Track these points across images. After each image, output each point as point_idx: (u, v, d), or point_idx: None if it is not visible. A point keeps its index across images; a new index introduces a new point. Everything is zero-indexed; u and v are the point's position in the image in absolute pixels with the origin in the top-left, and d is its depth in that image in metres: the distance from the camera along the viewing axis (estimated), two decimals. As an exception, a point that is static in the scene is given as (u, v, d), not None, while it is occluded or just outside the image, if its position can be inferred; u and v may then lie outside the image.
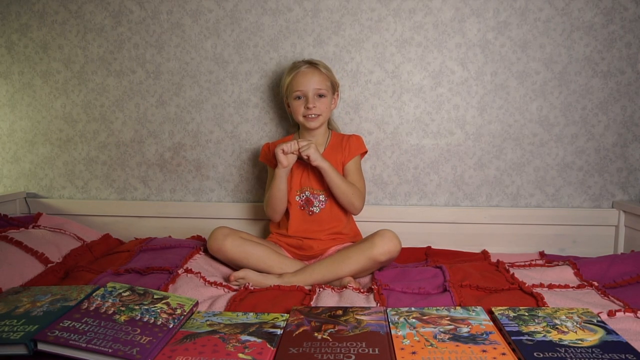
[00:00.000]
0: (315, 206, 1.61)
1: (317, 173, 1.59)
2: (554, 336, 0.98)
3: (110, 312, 1.04)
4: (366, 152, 1.69)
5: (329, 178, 1.54)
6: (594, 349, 0.92)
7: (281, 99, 1.74)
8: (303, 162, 1.62)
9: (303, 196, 1.62)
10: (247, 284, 1.35)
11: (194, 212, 1.87)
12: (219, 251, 1.49)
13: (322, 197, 1.61)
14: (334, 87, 1.65)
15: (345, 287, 1.34)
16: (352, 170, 1.63)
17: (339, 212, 1.62)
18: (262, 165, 1.85)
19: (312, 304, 1.23)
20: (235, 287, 1.36)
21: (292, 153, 1.50)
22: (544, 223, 1.79)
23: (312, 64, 1.61)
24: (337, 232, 1.62)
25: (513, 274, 1.42)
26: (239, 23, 1.79)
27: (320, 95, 1.59)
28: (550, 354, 0.91)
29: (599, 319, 1.07)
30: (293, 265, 1.48)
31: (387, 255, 1.42)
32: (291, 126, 1.81)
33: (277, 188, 1.56)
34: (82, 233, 1.72)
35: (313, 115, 1.58)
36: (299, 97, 1.59)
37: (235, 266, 1.49)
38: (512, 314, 1.09)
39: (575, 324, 1.04)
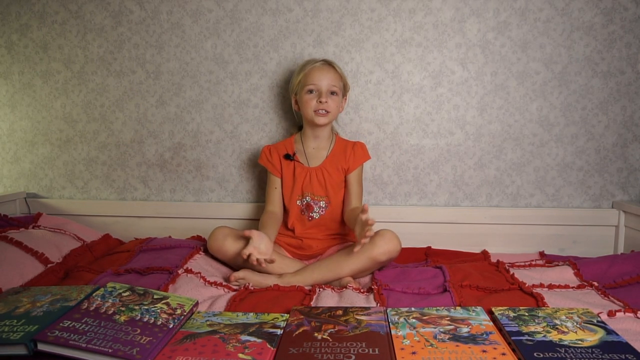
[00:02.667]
0: (315, 212, 1.60)
1: (320, 179, 1.60)
2: (554, 336, 0.98)
3: (110, 312, 1.04)
4: (369, 159, 1.67)
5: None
6: (594, 349, 0.92)
7: (288, 95, 1.75)
8: (305, 168, 1.62)
9: (304, 201, 1.61)
10: (247, 284, 1.35)
11: (194, 212, 1.87)
12: (219, 251, 1.49)
13: (322, 204, 1.60)
14: (345, 89, 1.65)
15: (345, 287, 1.34)
16: (354, 181, 1.63)
17: (339, 217, 1.63)
18: (262, 165, 1.85)
19: (312, 304, 1.23)
20: (235, 287, 1.36)
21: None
22: (544, 223, 1.79)
23: (327, 61, 1.61)
24: (336, 234, 1.62)
25: (513, 274, 1.42)
26: (239, 23, 1.79)
27: (333, 93, 1.58)
28: (550, 354, 0.91)
29: (599, 319, 1.07)
30: (293, 265, 1.48)
31: (387, 255, 1.42)
32: (291, 126, 1.80)
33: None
34: (82, 233, 1.72)
35: (323, 111, 1.57)
36: (311, 92, 1.57)
37: (235, 266, 1.49)
38: (512, 314, 1.09)
39: (575, 324, 1.04)
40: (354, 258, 1.42)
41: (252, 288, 1.34)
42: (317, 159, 1.64)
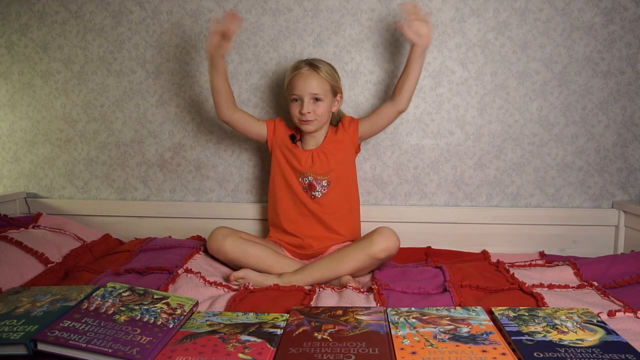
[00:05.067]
0: (318, 191, 1.60)
1: (322, 158, 1.60)
2: (554, 336, 0.98)
3: (110, 312, 1.04)
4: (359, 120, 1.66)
5: (421, 65, 1.55)
6: (594, 349, 0.93)
7: (284, 96, 1.75)
8: (309, 149, 1.62)
9: (306, 180, 1.60)
10: (247, 284, 1.35)
11: (194, 212, 1.87)
12: (219, 251, 1.49)
13: (324, 182, 1.60)
14: (335, 90, 1.60)
15: (345, 286, 1.34)
16: (370, 116, 1.64)
17: (344, 195, 1.62)
18: (262, 165, 1.85)
19: (312, 304, 1.23)
20: (235, 287, 1.36)
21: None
22: (544, 223, 1.79)
23: (313, 66, 1.56)
24: (339, 222, 1.61)
25: (513, 274, 1.42)
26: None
27: (317, 100, 1.55)
28: (550, 354, 0.91)
29: (599, 319, 1.07)
30: (293, 265, 1.48)
31: (386, 253, 1.43)
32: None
33: (214, 81, 1.57)
34: (82, 233, 1.72)
35: (307, 120, 1.56)
36: (295, 100, 1.57)
37: (235, 266, 1.49)
38: (512, 314, 1.09)
39: (575, 324, 1.04)
40: (353, 256, 1.42)
41: (252, 288, 1.34)
42: (315, 146, 1.64)
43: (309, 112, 1.54)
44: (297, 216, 1.62)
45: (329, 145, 1.62)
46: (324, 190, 1.60)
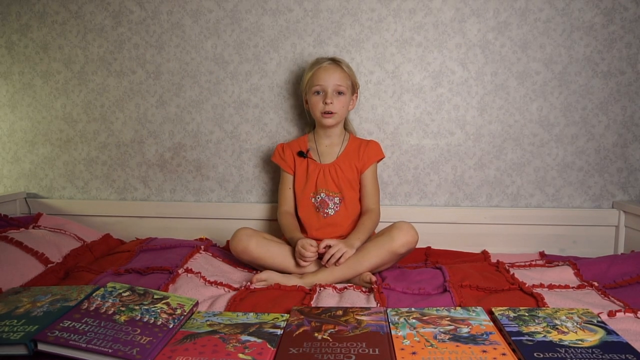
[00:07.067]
0: (330, 208, 1.60)
1: (333, 176, 1.60)
2: (554, 336, 0.98)
3: (110, 312, 1.04)
4: (383, 157, 1.67)
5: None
6: (594, 350, 0.93)
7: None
8: (319, 164, 1.62)
9: (318, 198, 1.60)
10: (249, 285, 1.35)
11: (194, 212, 1.87)
12: (245, 252, 1.47)
13: (337, 200, 1.60)
14: (354, 87, 1.64)
15: (368, 282, 1.35)
16: (369, 179, 1.63)
17: (354, 213, 1.62)
18: (262, 165, 1.85)
19: (312, 304, 1.23)
20: (260, 287, 1.36)
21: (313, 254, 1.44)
22: (544, 223, 1.79)
23: (334, 60, 1.60)
24: (353, 223, 1.61)
25: (513, 274, 1.42)
26: (239, 23, 1.79)
27: (340, 93, 1.58)
28: (550, 354, 0.91)
29: (599, 319, 1.07)
30: (313, 264, 1.48)
31: (406, 247, 1.43)
32: (292, 126, 1.80)
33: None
34: (82, 233, 1.72)
35: (330, 112, 1.57)
36: (318, 92, 1.58)
37: (257, 267, 1.49)
38: (512, 315, 1.09)
39: (575, 324, 1.04)
40: (373, 253, 1.42)
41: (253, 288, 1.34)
42: (330, 155, 1.64)
43: (332, 103, 1.55)
44: (310, 231, 1.61)
45: (344, 160, 1.62)
46: (337, 207, 1.60)
